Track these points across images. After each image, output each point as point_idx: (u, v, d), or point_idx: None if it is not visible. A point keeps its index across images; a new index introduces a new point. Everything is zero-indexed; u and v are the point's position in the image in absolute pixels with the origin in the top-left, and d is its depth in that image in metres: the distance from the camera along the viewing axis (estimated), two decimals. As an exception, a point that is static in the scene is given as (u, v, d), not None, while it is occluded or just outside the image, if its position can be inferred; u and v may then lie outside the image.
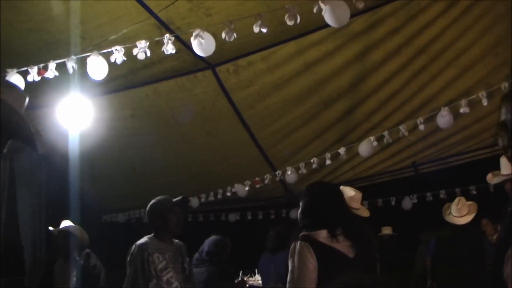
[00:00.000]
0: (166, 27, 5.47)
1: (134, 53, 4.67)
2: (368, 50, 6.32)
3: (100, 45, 5.10)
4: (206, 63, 6.45)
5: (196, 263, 6.21)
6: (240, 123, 7.49)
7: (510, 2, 5.91)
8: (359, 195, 5.55)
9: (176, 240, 5.14)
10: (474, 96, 6.44)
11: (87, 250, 7.11)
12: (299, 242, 3.50)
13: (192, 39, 4.64)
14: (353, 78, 6.73)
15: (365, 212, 5.57)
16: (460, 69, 6.60)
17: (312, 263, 3.40)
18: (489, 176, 5.05)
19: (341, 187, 5.56)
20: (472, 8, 5.89)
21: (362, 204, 5.71)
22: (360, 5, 4.41)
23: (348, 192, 5.50)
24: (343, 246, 3.51)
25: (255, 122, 7.54)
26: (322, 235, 3.51)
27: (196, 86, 6.85)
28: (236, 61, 6.45)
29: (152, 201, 5.04)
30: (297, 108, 7.22)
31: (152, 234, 4.95)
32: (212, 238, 6.41)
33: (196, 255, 6.32)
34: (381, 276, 3.54)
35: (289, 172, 7.89)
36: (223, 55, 6.26)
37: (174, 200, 5.00)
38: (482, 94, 6.38)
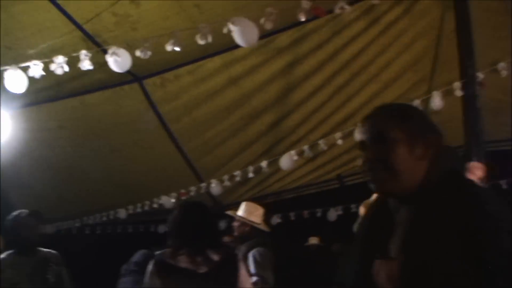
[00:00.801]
0: (93, 40, 5.46)
1: (51, 69, 4.67)
2: (293, 65, 6.45)
3: (26, 55, 5.06)
4: (133, 76, 6.44)
5: (124, 273, 6.28)
6: (167, 135, 7.50)
7: (427, 21, 6.16)
8: (260, 211, 5.81)
9: (46, 250, 5.20)
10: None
11: None
12: (150, 262, 3.78)
13: (108, 56, 4.69)
14: (278, 93, 6.85)
15: (265, 227, 5.85)
16: (381, 84, 6.81)
17: (155, 283, 3.67)
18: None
19: (243, 203, 5.88)
20: (392, 26, 6.11)
21: (264, 219, 5.98)
22: (269, 26, 4.58)
23: (249, 208, 5.79)
24: (190, 262, 3.71)
25: (182, 134, 7.56)
26: (166, 254, 3.76)
27: (123, 99, 6.84)
28: (163, 74, 6.47)
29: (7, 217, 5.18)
30: (224, 121, 7.29)
31: (12, 250, 5.05)
32: (141, 250, 6.50)
33: (124, 266, 6.39)
34: None
35: (213, 185, 7.95)
36: (150, 68, 6.28)
37: (24, 214, 5.12)
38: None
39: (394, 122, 2.00)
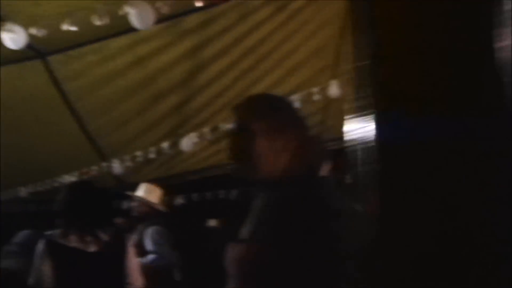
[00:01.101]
0: (-8, 13, 5.32)
1: None
2: (199, 48, 6.46)
3: None
4: (37, 53, 6.29)
5: (4, 255, 6.10)
6: (71, 114, 7.39)
7: (333, 10, 6.31)
8: (158, 192, 6.16)
9: None
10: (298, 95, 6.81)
11: None
12: (40, 242, 3.86)
13: (2, 33, 4.63)
14: (184, 75, 6.86)
15: (163, 208, 6.14)
16: (285, 71, 6.93)
17: (46, 263, 3.76)
18: None
19: (143, 184, 6.02)
20: (299, 13, 6.20)
21: (163, 200, 6.20)
22: (164, 10, 4.67)
23: (148, 189, 6.09)
24: (79, 242, 3.83)
25: (87, 113, 7.46)
26: (56, 234, 3.84)
27: (26, 75, 6.65)
28: (68, 52, 6.33)
29: None
30: (129, 101, 7.25)
31: None
32: (25, 231, 6.34)
33: (4, 247, 6.21)
34: None
35: (115, 165, 7.93)
36: (55, 45, 6.13)
37: None
38: (306, 94, 6.77)
39: (256, 114, 2.13)
